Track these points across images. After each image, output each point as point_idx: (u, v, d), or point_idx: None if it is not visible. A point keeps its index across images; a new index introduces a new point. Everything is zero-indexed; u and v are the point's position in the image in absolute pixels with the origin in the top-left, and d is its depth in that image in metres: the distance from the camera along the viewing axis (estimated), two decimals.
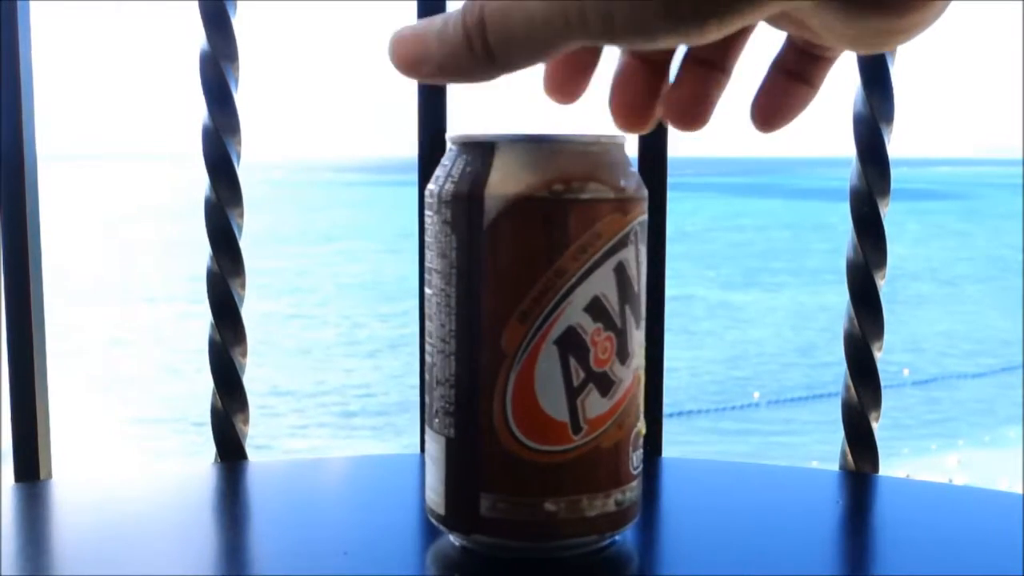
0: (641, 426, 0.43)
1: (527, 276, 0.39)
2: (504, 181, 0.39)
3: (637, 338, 0.42)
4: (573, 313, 0.39)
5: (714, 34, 0.32)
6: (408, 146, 0.62)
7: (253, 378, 0.62)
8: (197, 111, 0.61)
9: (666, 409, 0.62)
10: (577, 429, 0.40)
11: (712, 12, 0.31)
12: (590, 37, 0.33)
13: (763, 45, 0.43)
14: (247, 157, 0.62)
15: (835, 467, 0.60)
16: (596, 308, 0.40)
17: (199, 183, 0.61)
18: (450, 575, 0.43)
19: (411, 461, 0.59)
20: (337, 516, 0.51)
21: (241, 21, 0.61)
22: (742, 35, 0.42)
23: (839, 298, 0.60)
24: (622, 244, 0.40)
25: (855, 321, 0.59)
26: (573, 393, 0.40)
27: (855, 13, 0.32)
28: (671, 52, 0.42)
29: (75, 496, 0.56)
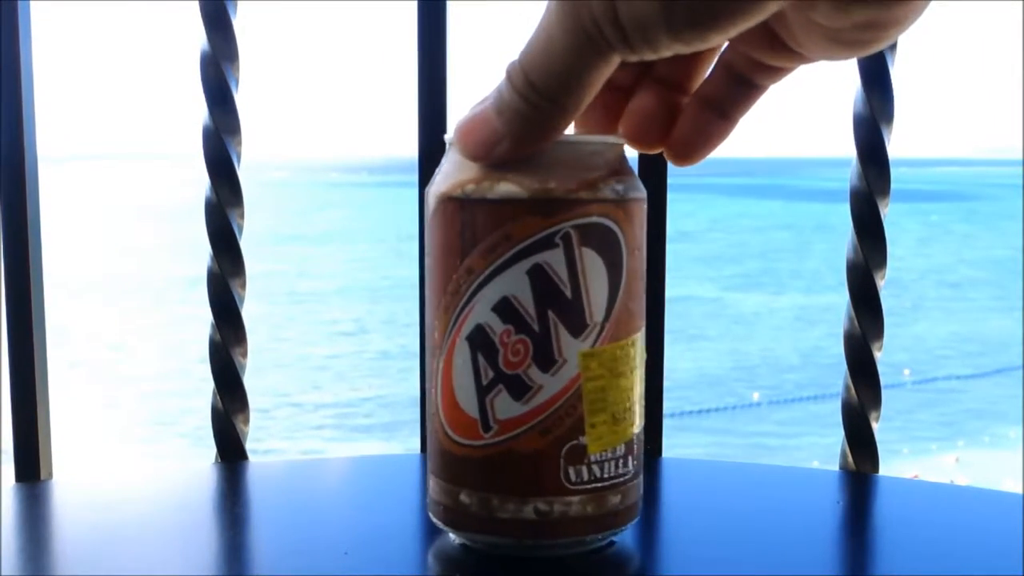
0: (597, 442, 0.40)
1: (446, 272, 0.41)
2: (441, 180, 0.41)
3: (575, 347, 0.40)
4: (482, 312, 0.40)
5: (717, 39, 0.33)
6: (411, 146, 0.62)
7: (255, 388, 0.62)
8: (197, 111, 0.61)
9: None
10: (487, 427, 0.40)
11: (712, 19, 0.33)
12: (612, 49, 0.34)
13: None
14: (249, 157, 0.62)
15: (835, 467, 0.60)
16: (506, 309, 0.39)
17: (199, 183, 0.61)
18: (452, 575, 0.43)
19: (411, 461, 0.59)
20: (337, 516, 0.51)
21: (241, 21, 0.61)
22: (707, 54, 0.42)
23: (839, 299, 0.60)
24: (540, 247, 0.39)
25: (855, 321, 0.59)
26: (483, 391, 0.40)
27: (842, 4, 0.33)
28: (634, 75, 0.42)
29: (75, 496, 0.56)
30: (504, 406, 0.40)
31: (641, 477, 0.44)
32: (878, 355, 0.59)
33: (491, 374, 0.40)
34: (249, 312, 0.63)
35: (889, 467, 0.60)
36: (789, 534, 0.48)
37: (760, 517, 0.50)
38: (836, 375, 0.61)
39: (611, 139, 0.41)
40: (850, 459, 0.60)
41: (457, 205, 0.40)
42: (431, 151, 0.61)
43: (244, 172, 0.62)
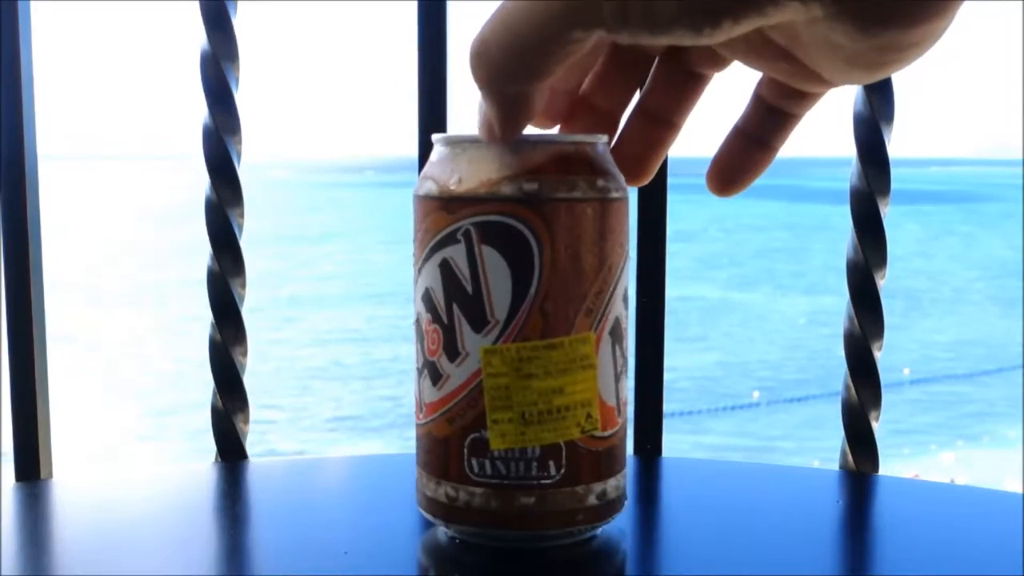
0: (499, 439, 0.40)
1: None
2: None
3: (477, 341, 0.40)
4: (417, 300, 0.43)
5: (725, 33, 0.33)
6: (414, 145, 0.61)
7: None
8: (198, 111, 0.61)
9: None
10: (420, 409, 0.43)
11: (727, 10, 0.32)
12: (599, 22, 0.33)
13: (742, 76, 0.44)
14: (253, 157, 0.62)
15: (835, 467, 0.60)
16: (427, 299, 0.42)
17: (200, 184, 0.61)
18: (450, 574, 0.43)
19: (411, 461, 0.58)
20: (337, 516, 0.51)
21: (241, 21, 0.61)
22: (696, 89, 0.42)
23: (839, 300, 0.60)
24: (446, 242, 0.41)
25: (855, 321, 0.59)
26: (418, 374, 0.43)
27: (867, 23, 0.32)
28: (624, 104, 0.43)
29: (75, 496, 0.56)
30: (427, 390, 0.42)
31: (588, 488, 0.42)
32: (878, 355, 0.59)
33: (421, 359, 0.43)
34: (250, 312, 0.63)
35: (889, 467, 0.60)
36: (789, 534, 0.48)
37: (760, 517, 0.50)
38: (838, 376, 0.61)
39: (535, 136, 0.41)
40: (850, 459, 0.60)
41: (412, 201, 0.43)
42: (430, 150, 0.61)
43: (247, 172, 0.62)
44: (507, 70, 0.36)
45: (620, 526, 0.46)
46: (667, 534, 0.50)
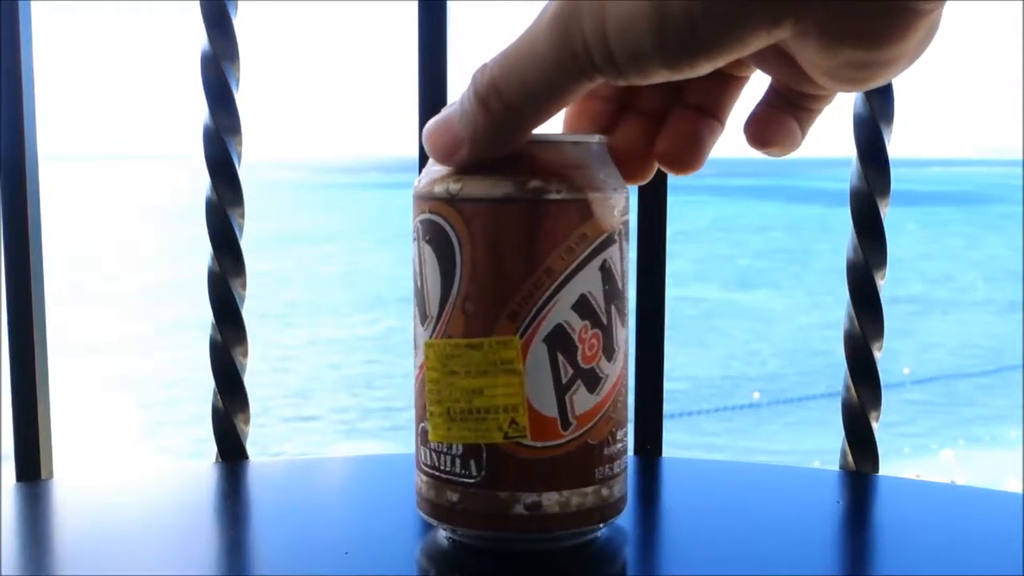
0: (432, 431, 0.42)
1: None
2: None
3: (422, 336, 0.42)
4: None
5: (704, 67, 0.34)
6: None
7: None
8: (198, 111, 0.61)
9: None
10: None
11: (699, 49, 0.33)
12: (598, 71, 0.35)
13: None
14: (255, 157, 0.62)
15: (835, 467, 0.61)
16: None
17: (200, 184, 0.61)
18: (450, 575, 0.43)
19: (411, 461, 0.59)
20: (337, 516, 0.51)
21: (241, 21, 0.61)
22: (734, 88, 0.43)
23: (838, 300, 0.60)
24: (413, 238, 0.43)
25: (855, 321, 0.59)
26: None
27: (831, 43, 0.33)
28: (665, 102, 0.43)
29: (75, 496, 0.56)
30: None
31: (514, 496, 0.41)
32: (878, 355, 0.59)
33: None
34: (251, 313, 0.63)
35: (889, 467, 0.60)
36: (789, 534, 0.48)
37: (760, 517, 0.50)
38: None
39: None
40: (850, 459, 0.60)
41: None
42: None
43: (248, 172, 0.62)
44: (517, 115, 0.37)
45: (620, 526, 0.46)
46: (667, 534, 0.50)
